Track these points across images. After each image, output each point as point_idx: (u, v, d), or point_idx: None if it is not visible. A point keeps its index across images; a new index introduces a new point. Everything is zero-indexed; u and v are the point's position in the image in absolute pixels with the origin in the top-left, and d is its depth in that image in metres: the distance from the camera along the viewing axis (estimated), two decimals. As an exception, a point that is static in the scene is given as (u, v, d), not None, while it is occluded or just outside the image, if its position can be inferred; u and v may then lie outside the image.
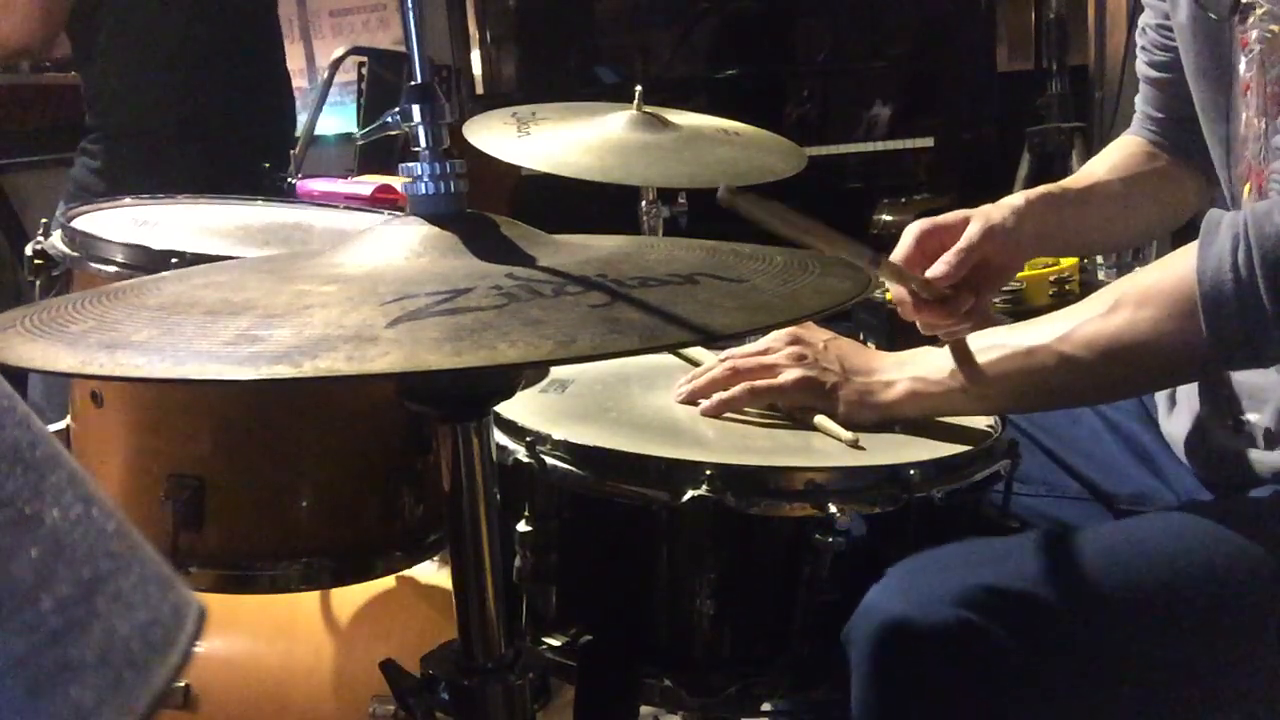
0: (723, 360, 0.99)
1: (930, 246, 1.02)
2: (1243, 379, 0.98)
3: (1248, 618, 0.82)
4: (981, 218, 1.02)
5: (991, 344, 0.90)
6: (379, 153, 2.57)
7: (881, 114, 3.70)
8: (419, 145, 0.64)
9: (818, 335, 0.99)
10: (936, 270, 0.98)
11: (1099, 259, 2.29)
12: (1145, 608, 0.80)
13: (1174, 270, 0.83)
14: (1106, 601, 0.79)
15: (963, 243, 1.00)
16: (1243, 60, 0.91)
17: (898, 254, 1.02)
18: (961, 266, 0.99)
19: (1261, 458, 0.95)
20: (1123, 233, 1.23)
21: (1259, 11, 0.88)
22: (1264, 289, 0.77)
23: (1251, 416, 0.97)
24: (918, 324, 1.02)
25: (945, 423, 0.95)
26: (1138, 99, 1.22)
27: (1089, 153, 2.89)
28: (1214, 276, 0.79)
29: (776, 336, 0.99)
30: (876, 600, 0.78)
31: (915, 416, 0.94)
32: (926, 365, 0.93)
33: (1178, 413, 1.07)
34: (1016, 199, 1.06)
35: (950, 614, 0.74)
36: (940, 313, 1.00)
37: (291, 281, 0.57)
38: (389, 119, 0.66)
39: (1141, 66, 1.20)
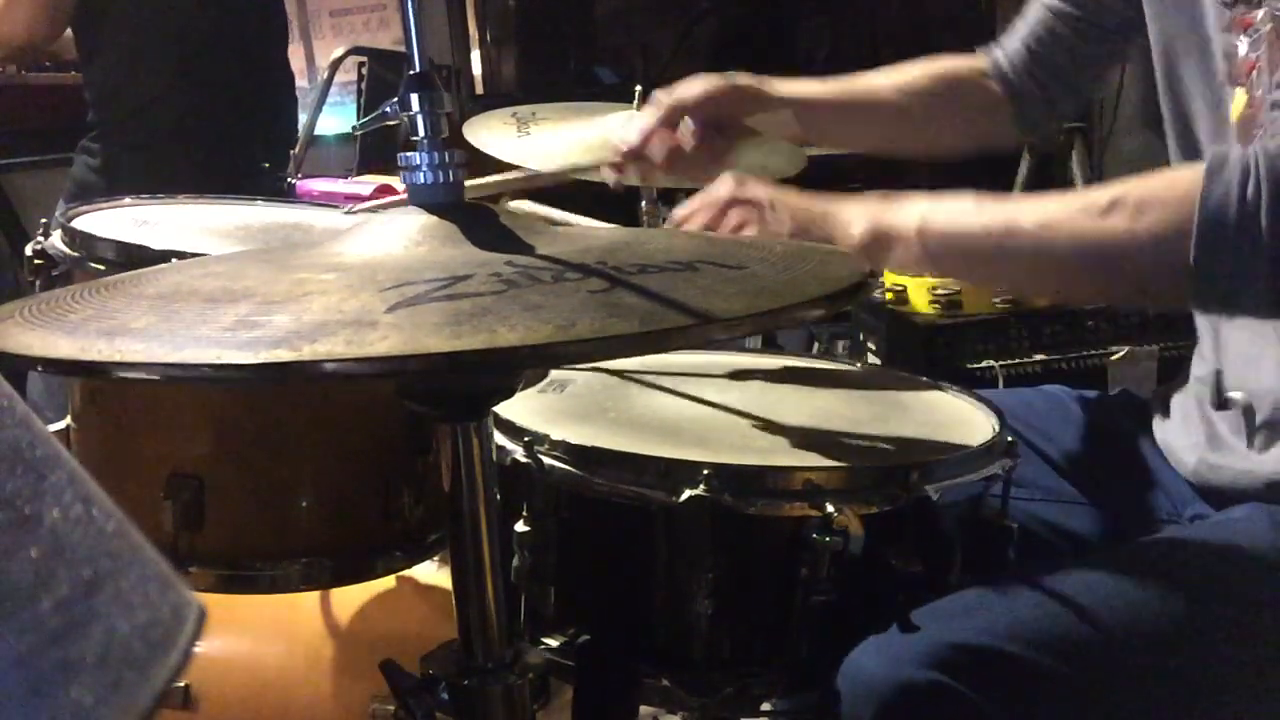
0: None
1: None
2: (1235, 388, 0.98)
3: (1229, 648, 0.82)
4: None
5: (969, 209, 0.88)
6: (379, 152, 2.57)
7: (881, 114, 3.70)
8: (417, 134, 0.64)
9: (759, 190, 0.98)
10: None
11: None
12: (1117, 651, 0.80)
13: (1179, 185, 0.81)
14: (1076, 649, 0.79)
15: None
16: (1244, 41, 0.91)
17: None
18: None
19: (1255, 466, 0.95)
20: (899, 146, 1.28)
21: None
22: (1265, 222, 0.77)
23: (1245, 422, 0.97)
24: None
25: (945, 423, 0.95)
26: (1020, 21, 1.21)
27: (1089, 153, 2.89)
28: (1218, 202, 0.78)
29: (714, 194, 0.98)
30: (856, 660, 0.78)
31: (871, 262, 0.90)
32: (897, 216, 0.91)
33: (1172, 420, 1.07)
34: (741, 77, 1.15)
35: (921, 675, 0.75)
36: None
37: (290, 270, 0.57)
38: (387, 109, 0.66)
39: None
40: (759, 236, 0.93)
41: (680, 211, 1.00)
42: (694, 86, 1.13)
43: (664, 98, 1.13)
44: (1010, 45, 1.21)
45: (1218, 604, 0.81)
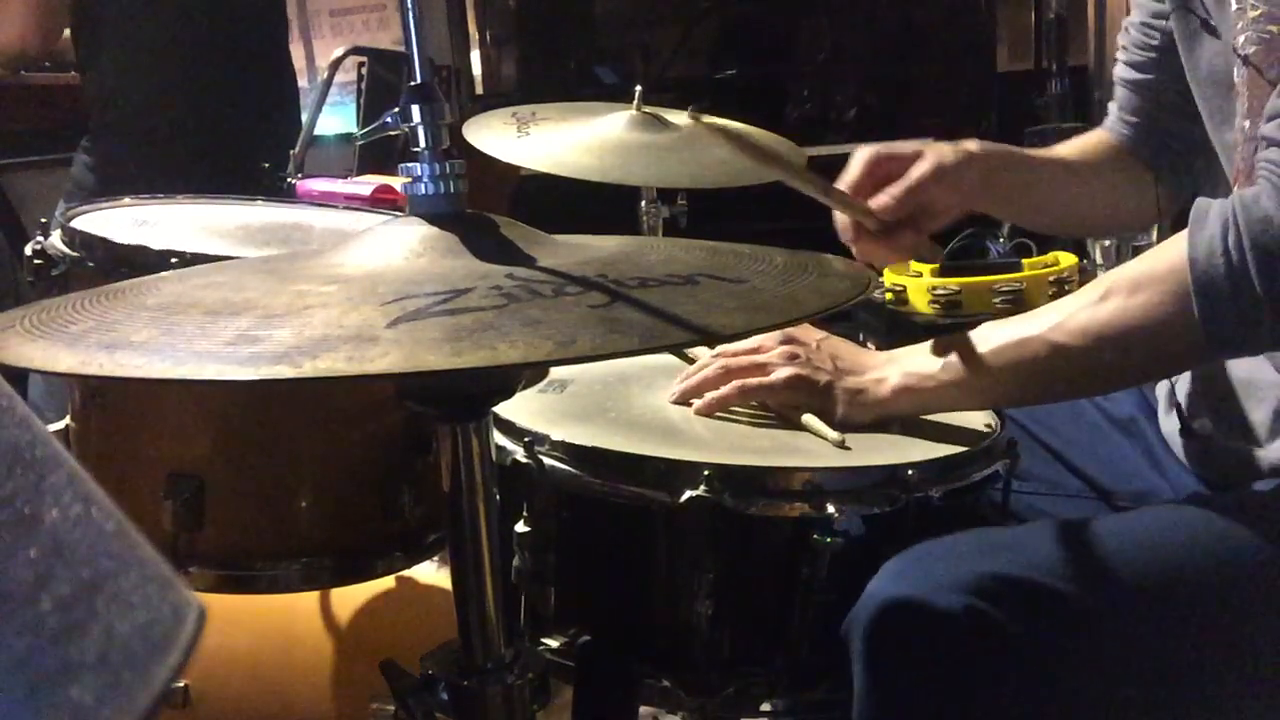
0: (714, 358, 0.99)
1: (879, 174, 1.02)
2: (1239, 375, 0.98)
3: (1258, 607, 0.82)
4: (934, 155, 1.02)
5: (982, 337, 0.91)
6: (379, 153, 2.57)
7: (881, 114, 3.70)
8: (418, 145, 0.64)
9: (811, 335, 1.00)
10: (880, 201, 0.99)
11: (1098, 259, 2.29)
12: (1155, 598, 0.80)
13: (1165, 257, 0.83)
14: (1117, 591, 0.79)
15: (910, 179, 1.00)
16: (1236, 63, 0.91)
17: (846, 178, 1.02)
18: (905, 203, 1.00)
19: (1258, 454, 0.95)
20: (1072, 214, 1.23)
21: (1253, 14, 0.88)
22: (1255, 273, 0.78)
23: (1248, 413, 0.97)
24: (854, 251, 1.04)
25: (944, 423, 0.95)
26: (1112, 104, 1.21)
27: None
28: (1205, 261, 0.80)
29: (769, 335, 0.99)
30: (881, 587, 0.77)
31: (909, 413, 0.94)
32: (918, 361, 0.93)
33: (1175, 412, 1.07)
34: (972, 143, 1.06)
35: (959, 600, 0.74)
36: (878, 244, 1.02)
37: (291, 282, 0.58)
38: (388, 119, 0.66)
39: (1120, 69, 1.19)
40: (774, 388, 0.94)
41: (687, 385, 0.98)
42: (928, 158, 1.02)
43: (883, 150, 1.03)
44: (1120, 127, 1.20)
45: (1254, 558, 0.81)
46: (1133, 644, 0.79)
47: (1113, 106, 1.21)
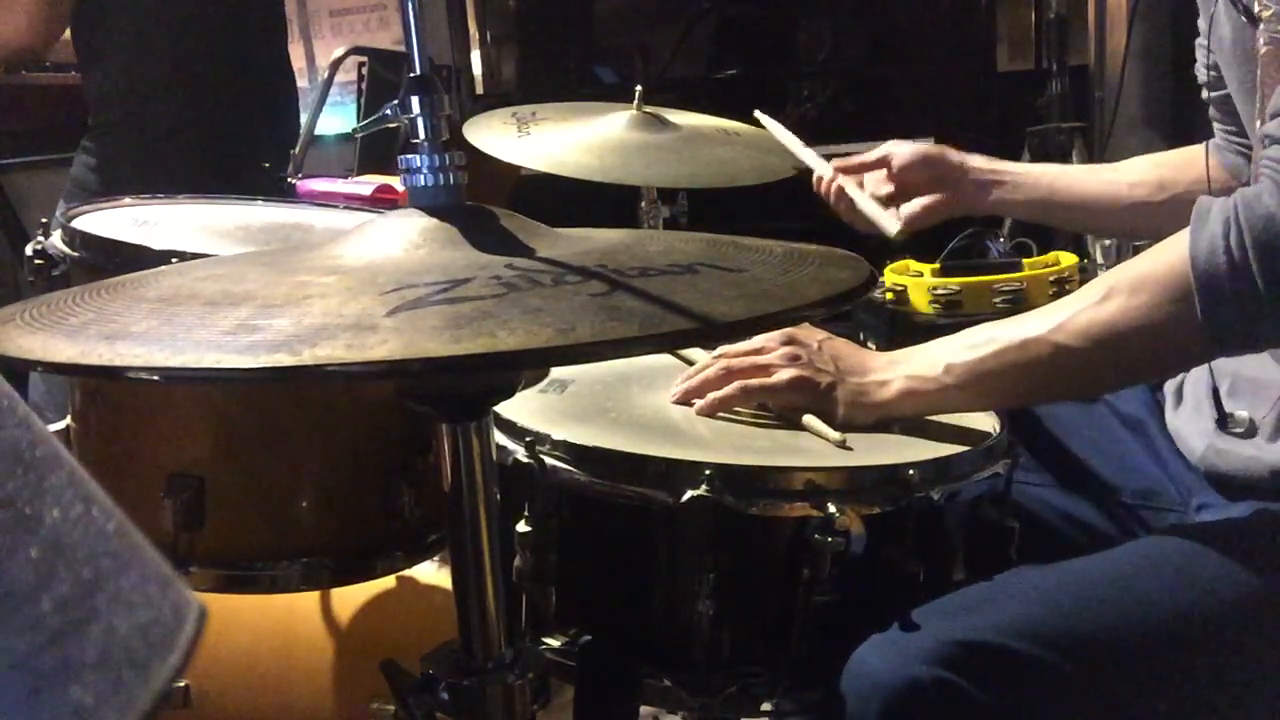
0: (716, 359, 0.99)
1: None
2: (1244, 375, 0.98)
3: (1240, 646, 0.82)
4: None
5: (985, 338, 0.91)
6: (379, 153, 2.57)
7: (881, 114, 3.70)
8: (418, 137, 0.64)
9: (813, 335, 1.00)
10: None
11: (1099, 259, 2.29)
12: (1132, 651, 0.79)
13: (1166, 256, 0.83)
14: (1081, 645, 0.79)
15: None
16: (1258, 68, 0.92)
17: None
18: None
19: (1262, 454, 0.95)
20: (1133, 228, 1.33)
21: (1267, 14, 0.88)
22: (1256, 271, 0.78)
23: (1253, 412, 0.97)
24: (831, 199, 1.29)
25: (945, 423, 0.95)
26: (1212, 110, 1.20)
27: (1089, 153, 2.89)
28: (1207, 260, 0.80)
29: (771, 336, 0.99)
30: (861, 659, 0.78)
31: (911, 415, 0.94)
32: (921, 363, 0.93)
33: (1183, 408, 1.07)
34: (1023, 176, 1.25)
35: (925, 673, 0.75)
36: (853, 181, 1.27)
37: (291, 273, 0.57)
38: (388, 111, 0.66)
39: (1205, 92, 1.18)
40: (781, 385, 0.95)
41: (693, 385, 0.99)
42: (905, 146, 1.29)
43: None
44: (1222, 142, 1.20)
45: (1224, 602, 0.81)
46: (1109, 702, 0.79)
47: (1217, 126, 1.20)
